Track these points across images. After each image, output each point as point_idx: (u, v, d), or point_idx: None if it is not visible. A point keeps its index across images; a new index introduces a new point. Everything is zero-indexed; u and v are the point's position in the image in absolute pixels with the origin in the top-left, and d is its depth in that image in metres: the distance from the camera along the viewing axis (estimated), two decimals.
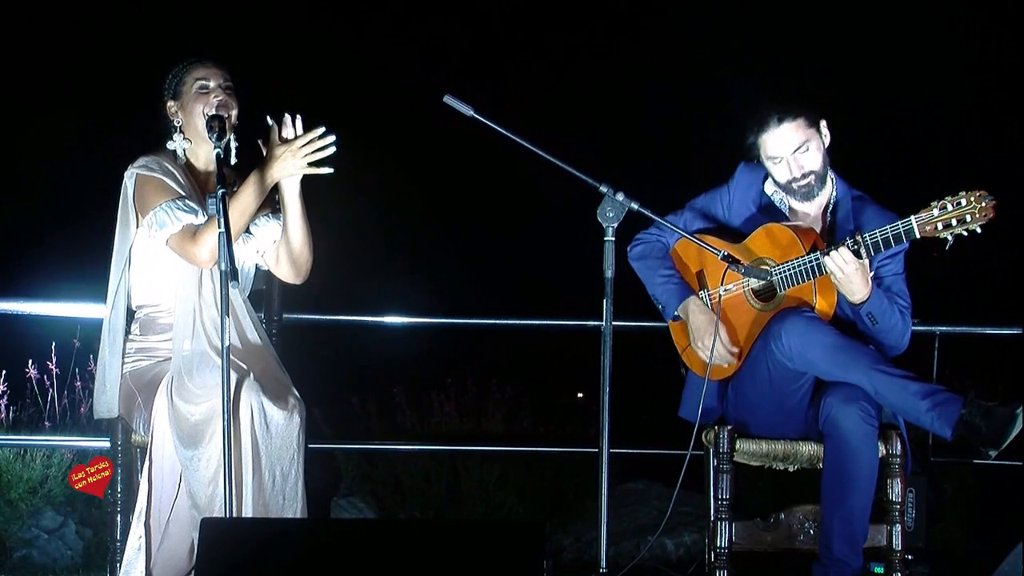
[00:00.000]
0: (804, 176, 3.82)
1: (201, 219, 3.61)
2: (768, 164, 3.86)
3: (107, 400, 3.70)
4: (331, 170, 3.60)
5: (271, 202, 3.75)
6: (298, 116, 3.60)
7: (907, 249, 3.81)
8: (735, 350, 3.83)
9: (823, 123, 3.86)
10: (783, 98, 3.83)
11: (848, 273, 3.63)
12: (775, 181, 3.88)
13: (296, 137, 3.57)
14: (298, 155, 3.56)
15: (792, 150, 3.80)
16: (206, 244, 3.56)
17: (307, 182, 3.69)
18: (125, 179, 3.69)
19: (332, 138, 3.57)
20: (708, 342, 3.82)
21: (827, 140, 3.87)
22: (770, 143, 3.82)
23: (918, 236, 3.60)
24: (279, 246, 3.78)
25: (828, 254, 3.64)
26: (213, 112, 3.64)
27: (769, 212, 3.93)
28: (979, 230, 3.55)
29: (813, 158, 3.82)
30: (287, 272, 3.80)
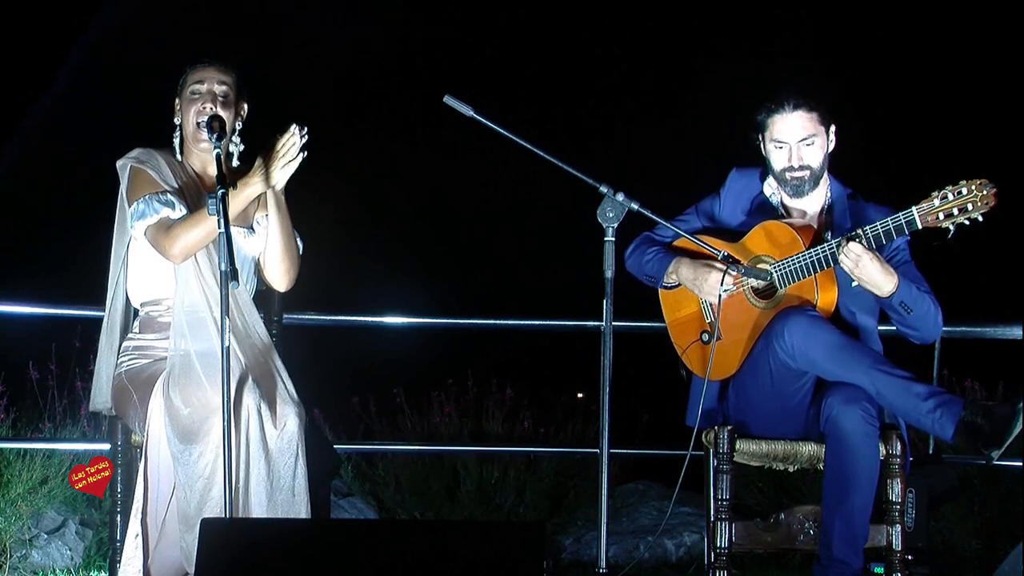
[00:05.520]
0: (800, 168, 3.83)
1: (178, 213, 3.61)
2: (770, 147, 3.86)
3: (100, 394, 3.73)
4: (304, 154, 3.60)
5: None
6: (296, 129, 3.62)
7: (909, 238, 3.80)
8: (734, 273, 3.81)
9: (832, 128, 3.87)
10: (803, 88, 3.84)
11: (863, 266, 3.62)
12: (771, 169, 3.88)
13: (273, 151, 3.59)
14: (272, 166, 3.58)
15: (798, 139, 3.81)
16: (177, 239, 3.56)
17: (308, 185, 3.70)
18: (119, 170, 3.70)
19: (302, 131, 3.58)
20: (711, 278, 3.81)
21: (831, 145, 3.88)
22: (779, 126, 3.83)
23: (920, 226, 3.59)
24: (264, 252, 3.79)
25: (839, 251, 3.63)
26: (205, 118, 3.65)
27: (764, 212, 3.93)
28: (981, 218, 3.54)
29: (815, 155, 3.83)
30: (271, 278, 3.82)
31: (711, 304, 3.88)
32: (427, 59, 12.46)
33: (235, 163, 3.77)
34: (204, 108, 3.69)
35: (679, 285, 3.94)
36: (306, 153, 3.60)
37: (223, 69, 3.77)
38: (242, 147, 3.77)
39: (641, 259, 4.00)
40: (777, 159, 3.86)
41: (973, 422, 3.54)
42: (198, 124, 3.69)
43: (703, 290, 3.86)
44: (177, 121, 3.78)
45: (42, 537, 5.19)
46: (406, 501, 6.35)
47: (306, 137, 3.58)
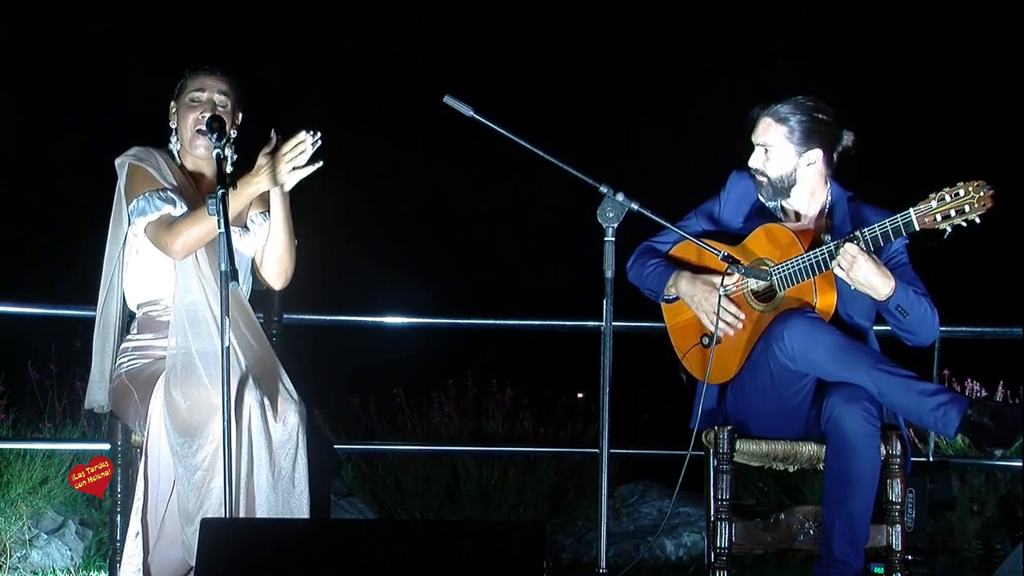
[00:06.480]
0: (760, 174, 3.85)
1: (179, 210, 3.62)
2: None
3: (93, 394, 3.74)
4: (320, 163, 3.60)
5: (266, 202, 3.76)
6: (274, 132, 3.60)
7: (908, 241, 3.80)
8: (742, 316, 3.82)
9: (816, 152, 3.81)
10: (799, 102, 3.82)
11: (858, 268, 3.61)
12: None
13: (279, 151, 3.58)
14: (280, 167, 3.57)
15: (759, 143, 3.84)
16: (179, 235, 3.57)
17: (308, 186, 3.69)
18: (117, 167, 3.71)
19: (314, 137, 3.56)
20: (708, 306, 3.81)
21: (819, 166, 3.84)
22: (758, 125, 3.85)
23: (917, 228, 3.58)
24: (263, 250, 3.80)
25: (834, 257, 3.62)
26: (202, 124, 3.65)
27: (763, 215, 3.92)
28: (978, 220, 3.53)
29: (772, 166, 3.83)
30: (268, 277, 3.83)
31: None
32: (427, 59, 12.46)
33: (228, 170, 3.76)
34: (202, 117, 3.70)
35: (679, 298, 3.95)
36: (322, 163, 3.60)
37: (224, 79, 3.78)
38: (235, 156, 3.78)
39: (642, 271, 4.00)
40: (751, 157, 3.88)
41: (980, 422, 3.54)
42: (197, 131, 3.69)
43: (700, 308, 3.86)
44: (173, 125, 3.78)
45: (42, 537, 5.19)
46: (406, 501, 6.36)
47: (319, 143, 3.58)
